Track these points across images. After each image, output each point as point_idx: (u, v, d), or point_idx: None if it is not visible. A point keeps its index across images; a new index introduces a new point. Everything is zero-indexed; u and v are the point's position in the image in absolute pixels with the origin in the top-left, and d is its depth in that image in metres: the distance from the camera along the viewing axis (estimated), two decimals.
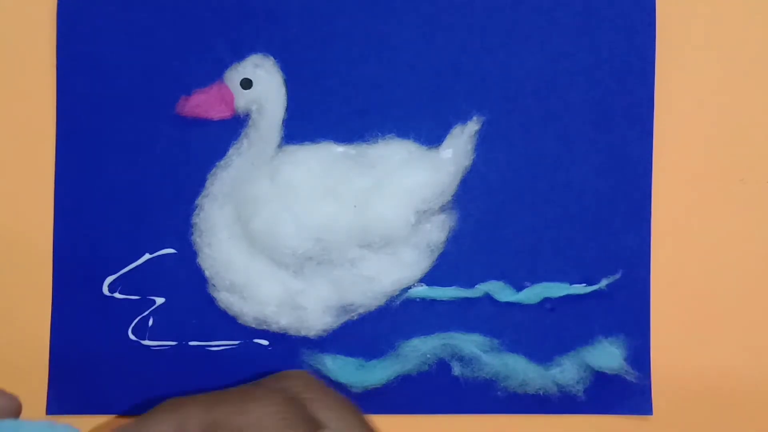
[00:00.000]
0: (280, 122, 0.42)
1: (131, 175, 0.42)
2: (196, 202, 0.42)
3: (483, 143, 0.42)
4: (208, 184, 0.42)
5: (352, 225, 0.41)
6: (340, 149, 0.42)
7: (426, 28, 0.42)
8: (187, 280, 0.42)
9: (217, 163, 0.42)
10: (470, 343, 0.42)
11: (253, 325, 0.42)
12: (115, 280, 0.42)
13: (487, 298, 0.43)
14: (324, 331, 0.42)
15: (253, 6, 0.42)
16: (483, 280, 0.43)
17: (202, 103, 0.42)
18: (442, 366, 0.43)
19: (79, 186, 0.42)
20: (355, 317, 0.42)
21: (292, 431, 0.31)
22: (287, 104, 0.42)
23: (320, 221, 0.41)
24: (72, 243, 0.42)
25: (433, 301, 0.43)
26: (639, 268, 0.43)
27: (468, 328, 0.43)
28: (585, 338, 0.43)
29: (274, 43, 0.42)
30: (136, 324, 0.42)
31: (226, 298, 0.42)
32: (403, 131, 0.42)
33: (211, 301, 0.42)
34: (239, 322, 0.42)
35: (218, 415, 0.31)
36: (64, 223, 0.42)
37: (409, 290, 0.42)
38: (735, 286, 0.43)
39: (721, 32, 0.43)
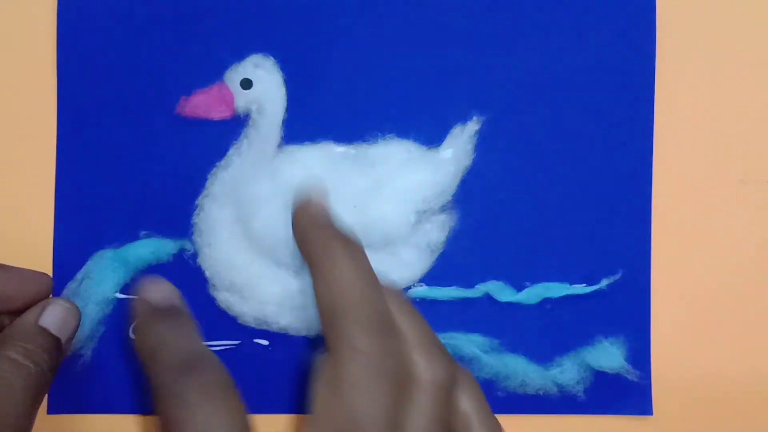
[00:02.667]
0: (280, 122, 0.42)
1: (131, 175, 0.42)
2: (197, 202, 0.42)
3: (483, 143, 0.42)
4: (208, 184, 0.42)
5: (352, 225, 0.41)
6: (340, 149, 0.42)
7: (426, 29, 0.42)
8: (187, 280, 0.42)
9: (217, 164, 0.42)
10: (470, 343, 0.42)
11: (254, 325, 0.42)
12: None
13: (487, 298, 0.43)
14: None
15: (253, 6, 0.42)
16: (483, 280, 0.43)
17: (202, 104, 0.42)
18: None
19: (80, 186, 0.42)
20: None
21: None
22: (287, 104, 0.42)
23: None
24: (72, 243, 0.42)
25: (433, 301, 0.43)
26: (639, 268, 0.43)
27: (468, 328, 0.43)
28: (585, 338, 0.43)
29: (274, 43, 0.42)
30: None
31: (226, 298, 0.42)
32: (403, 131, 0.42)
33: (211, 301, 0.42)
34: (239, 322, 0.42)
35: None
36: (65, 222, 0.42)
37: (409, 290, 0.42)
38: (735, 287, 0.43)
39: (721, 32, 0.43)
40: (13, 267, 0.39)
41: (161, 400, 0.35)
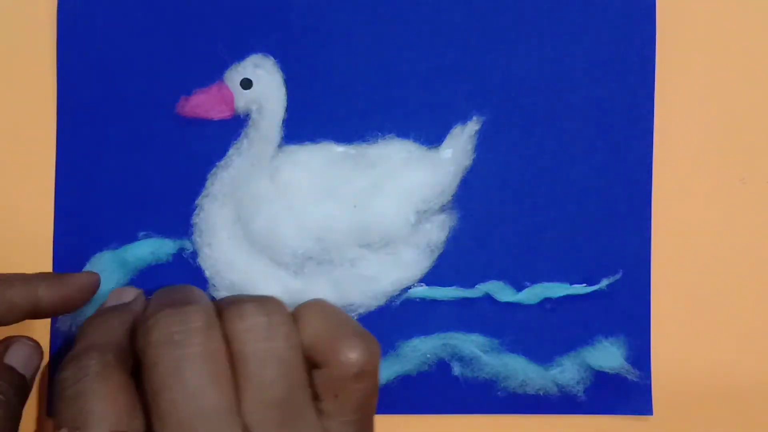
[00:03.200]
0: (280, 122, 0.42)
1: (131, 175, 0.42)
2: (197, 202, 0.42)
3: (483, 143, 0.42)
4: (208, 184, 0.42)
5: (352, 225, 0.41)
6: (340, 149, 0.42)
7: (426, 28, 0.42)
8: (187, 281, 0.42)
9: (217, 163, 0.42)
10: (470, 343, 0.42)
11: None
12: None
13: (487, 298, 0.43)
14: None
15: (253, 6, 0.42)
16: (483, 280, 0.43)
17: (202, 103, 0.42)
18: (442, 366, 0.43)
19: (80, 185, 0.42)
20: (355, 317, 0.42)
21: None
22: (287, 104, 0.42)
23: (320, 221, 0.41)
24: (72, 243, 0.42)
25: (433, 301, 0.43)
26: (639, 268, 0.43)
27: (468, 328, 0.43)
28: (585, 338, 0.43)
29: (274, 43, 0.42)
30: None
31: None
32: (403, 131, 0.42)
33: None
34: None
35: None
36: (64, 222, 0.42)
37: (409, 290, 0.42)
38: (735, 286, 0.43)
39: (721, 32, 0.43)
40: (65, 275, 0.39)
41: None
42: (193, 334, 0.32)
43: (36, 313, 0.37)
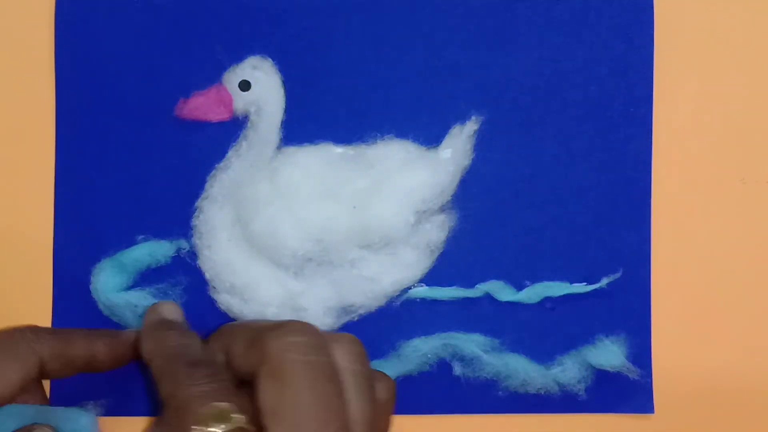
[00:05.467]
0: (279, 123, 0.42)
1: (130, 178, 0.42)
2: (196, 204, 0.42)
3: (482, 143, 0.42)
4: (207, 186, 0.42)
5: (351, 226, 0.41)
6: (339, 150, 0.42)
7: (425, 28, 0.42)
8: (188, 283, 0.42)
9: (216, 165, 0.42)
10: (471, 343, 0.42)
11: None
12: None
13: (488, 298, 0.43)
14: None
15: (251, 8, 0.42)
16: (483, 280, 0.43)
17: (200, 106, 0.42)
18: (442, 366, 0.43)
19: (79, 188, 0.42)
20: (356, 318, 0.42)
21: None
22: (286, 105, 0.42)
23: (320, 222, 0.41)
24: (72, 245, 0.42)
25: (433, 301, 0.43)
26: (639, 267, 0.43)
27: (468, 328, 0.43)
28: (586, 337, 0.43)
29: (273, 45, 0.42)
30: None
31: (226, 300, 0.42)
32: (401, 131, 0.42)
33: (211, 303, 0.42)
34: None
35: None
36: (64, 225, 0.42)
37: (410, 290, 0.42)
38: (735, 286, 0.43)
39: (721, 32, 0.43)
40: (120, 333, 0.41)
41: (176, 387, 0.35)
42: (321, 346, 0.34)
43: (91, 368, 0.39)
